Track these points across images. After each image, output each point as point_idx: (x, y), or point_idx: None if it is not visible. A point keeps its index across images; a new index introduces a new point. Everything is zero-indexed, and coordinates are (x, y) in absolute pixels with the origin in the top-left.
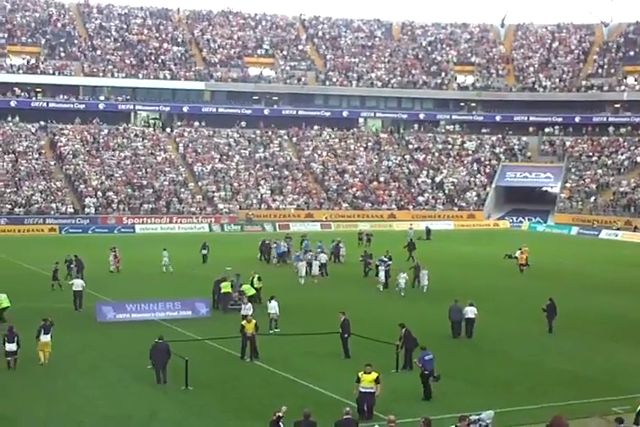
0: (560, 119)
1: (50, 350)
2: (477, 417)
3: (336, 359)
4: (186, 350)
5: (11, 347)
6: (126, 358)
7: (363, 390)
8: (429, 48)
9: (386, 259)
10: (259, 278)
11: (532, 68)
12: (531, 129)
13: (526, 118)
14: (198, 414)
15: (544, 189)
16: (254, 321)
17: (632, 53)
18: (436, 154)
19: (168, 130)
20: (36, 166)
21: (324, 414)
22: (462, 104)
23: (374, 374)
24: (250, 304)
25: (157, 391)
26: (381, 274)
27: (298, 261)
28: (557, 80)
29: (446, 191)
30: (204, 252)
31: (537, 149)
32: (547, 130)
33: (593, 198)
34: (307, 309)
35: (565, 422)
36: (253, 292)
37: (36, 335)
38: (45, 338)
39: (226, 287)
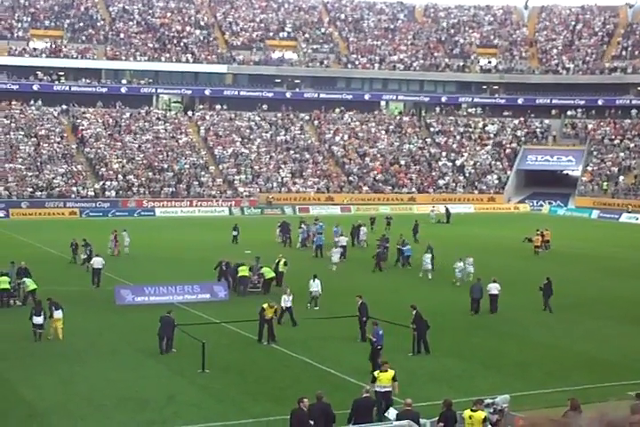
0: (583, 102)
1: (62, 325)
2: (492, 401)
3: (353, 343)
4: (203, 333)
5: (38, 320)
6: (145, 342)
7: (380, 390)
8: (452, 30)
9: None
10: (285, 263)
11: (555, 51)
12: (553, 112)
13: (549, 101)
14: (216, 397)
15: (565, 172)
16: (275, 307)
17: None
18: (458, 137)
19: (190, 113)
20: (58, 150)
21: (341, 397)
22: (484, 87)
23: (391, 372)
24: (292, 296)
25: (175, 374)
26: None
27: (332, 249)
28: (581, 62)
29: (467, 174)
30: (235, 233)
31: (559, 131)
32: (569, 113)
33: (614, 182)
34: (325, 292)
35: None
36: (272, 275)
37: (49, 315)
38: (58, 314)
39: (243, 271)
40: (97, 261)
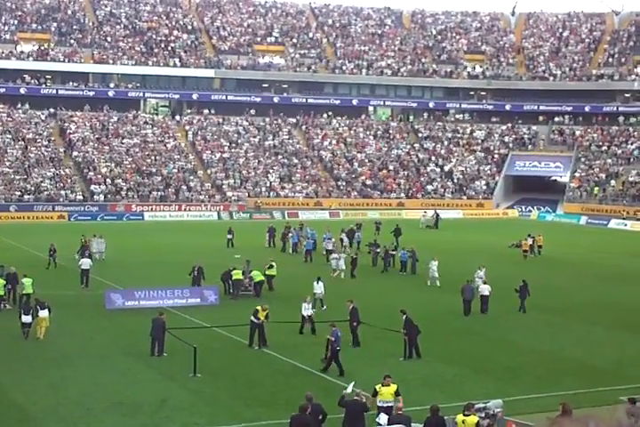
0: (570, 108)
1: (47, 324)
2: (484, 405)
3: (345, 347)
4: (194, 337)
5: (27, 319)
6: (135, 346)
7: (382, 405)
8: (439, 36)
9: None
10: (270, 266)
11: (542, 57)
12: (540, 118)
13: (536, 107)
14: (207, 401)
15: (553, 178)
16: (268, 310)
17: None
18: (446, 143)
19: (177, 117)
20: (46, 153)
21: (333, 402)
22: (472, 93)
23: (393, 387)
24: (311, 304)
25: (166, 379)
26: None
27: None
28: (568, 69)
29: (455, 180)
30: (229, 236)
31: (547, 138)
32: (556, 119)
33: (602, 189)
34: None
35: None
36: (261, 278)
37: (34, 313)
38: (43, 314)
39: (237, 274)
40: (85, 262)
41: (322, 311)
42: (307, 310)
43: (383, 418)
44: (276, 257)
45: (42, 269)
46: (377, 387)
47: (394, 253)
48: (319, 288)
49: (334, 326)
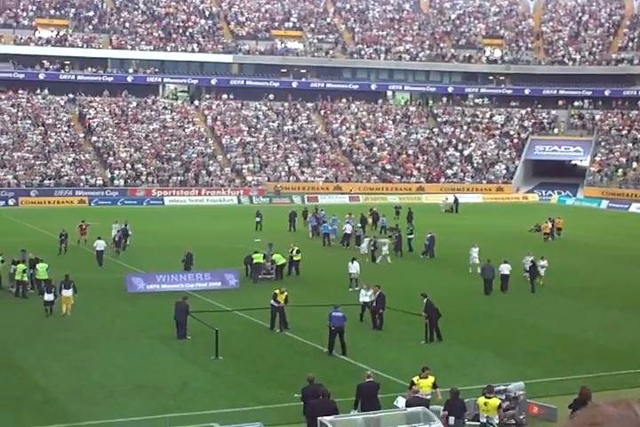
0: (590, 93)
1: (72, 302)
2: (505, 387)
3: (366, 331)
4: (216, 320)
5: (49, 297)
6: (157, 329)
7: (419, 396)
8: (458, 21)
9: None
10: (297, 251)
11: (561, 42)
12: (560, 102)
13: (555, 92)
14: (228, 383)
15: (573, 162)
16: (287, 293)
17: None
18: (465, 127)
19: (196, 102)
20: (65, 139)
21: (353, 384)
22: (491, 77)
23: (431, 379)
24: (371, 291)
25: (188, 361)
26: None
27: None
28: (587, 53)
29: (475, 164)
30: (258, 219)
31: (566, 122)
32: (576, 103)
33: (622, 172)
34: (338, 280)
35: (589, 393)
36: (283, 261)
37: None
38: (67, 293)
39: (258, 258)
40: (99, 244)
41: (354, 291)
42: (364, 296)
43: (401, 401)
44: (297, 241)
45: (62, 254)
46: (414, 379)
47: (411, 236)
48: (354, 268)
49: (337, 306)
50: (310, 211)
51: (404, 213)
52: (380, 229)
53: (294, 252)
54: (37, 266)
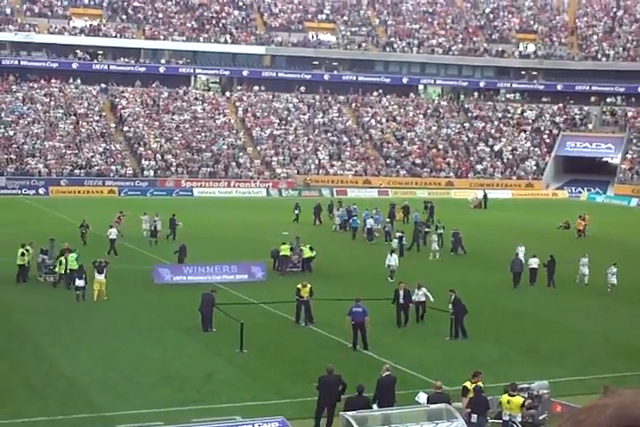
0: (623, 89)
1: (104, 288)
2: (528, 386)
3: (390, 326)
4: (241, 313)
5: (80, 283)
6: (183, 320)
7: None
8: (491, 15)
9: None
10: (310, 248)
11: (595, 37)
12: (592, 99)
13: (588, 88)
14: (253, 376)
15: (604, 159)
16: (309, 286)
17: None
18: (496, 122)
19: (227, 94)
20: (97, 128)
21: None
22: (523, 72)
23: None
24: (423, 290)
25: (213, 353)
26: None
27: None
28: (621, 49)
29: (505, 160)
30: (297, 212)
31: (598, 118)
32: (608, 100)
33: None
34: (364, 275)
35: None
36: (310, 254)
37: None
38: (99, 277)
39: (284, 250)
40: (112, 233)
41: (390, 282)
42: (418, 296)
43: (422, 397)
44: (322, 235)
45: (90, 244)
46: (467, 384)
47: (428, 230)
48: (393, 260)
49: (358, 301)
50: (335, 204)
51: (446, 210)
52: (414, 224)
53: (307, 249)
54: (68, 256)
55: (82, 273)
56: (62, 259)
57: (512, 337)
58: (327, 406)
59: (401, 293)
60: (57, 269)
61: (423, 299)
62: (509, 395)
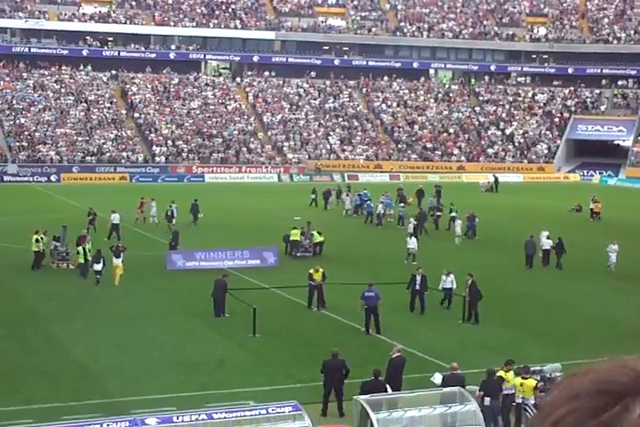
0: (634, 72)
1: (122, 272)
2: (540, 368)
3: (402, 310)
4: (254, 298)
5: (97, 267)
6: (196, 306)
7: (507, 393)
8: None
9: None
10: (319, 233)
11: (606, 20)
12: (603, 82)
13: (599, 71)
14: (265, 361)
15: (616, 142)
16: (322, 270)
17: None
18: (507, 106)
19: (238, 79)
20: (108, 115)
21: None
22: (534, 56)
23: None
24: (452, 277)
25: (226, 339)
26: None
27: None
28: (632, 32)
29: (516, 144)
30: (313, 196)
31: (610, 101)
32: (620, 82)
33: None
34: (377, 259)
35: None
36: (320, 239)
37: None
38: (117, 261)
39: (294, 235)
40: (115, 217)
41: (411, 265)
42: (445, 282)
43: (438, 378)
44: (332, 219)
45: (102, 230)
46: (500, 373)
47: (439, 214)
48: (412, 243)
49: (371, 285)
50: (343, 189)
51: (444, 192)
52: (428, 209)
53: (315, 233)
54: (78, 248)
55: (100, 258)
56: (80, 248)
57: (524, 320)
58: (333, 389)
59: (418, 278)
60: (76, 259)
61: (450, 286)
62: (522, 378)
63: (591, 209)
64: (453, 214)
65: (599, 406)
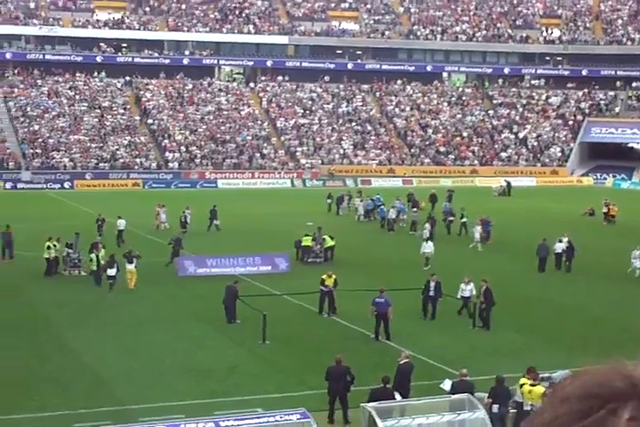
0: None
1: (135, 277)
2: (549, 375)
3: (413, 316)
4: (265, 304)
5: (111, 272)
6: (207, 313)
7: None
8: (515, 1)
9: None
10: (330, 237)
11: (620, 21)
12: (618, 84)
13: (613, 73)
14: (276, 368)
15: (630, 145)
16: (334, 276)
17: None
18: (520, 109)
19: (251, 84)
20: (121, 121)
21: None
22: (548, 58)
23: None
24: (472, 285)
25: (236, 345)
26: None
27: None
28: None
29: (530, 147)
30: (329, 201)
31: (624, 104)
32: (634, 84)
33: None
34: (389, 264)
35: None
36: (332, 243)
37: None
38: (130, 266)
39: (306, 241)
40: (121, 223)
41: (427, 270)
42: (463, 291)
43: (447, 384)
44: (345, 224)
45: (111, 237)
46: (523, 380)
47: (452, 219)
48: (429, 247)
49: (382, 291)
50: (354, 194)
51: (458, 197)
52: (443, 214)
53: (327, 238)
54: (91, 255)
55: (113, 263)
56: (93, 256)
57: (535, 325)
58: (338, 396)
59: (432, 284)
60: (89, 266)
61: (469, 294)
62: (531, 385)
63: (605, 213)
64: (464, 220)
65: (584, 410)
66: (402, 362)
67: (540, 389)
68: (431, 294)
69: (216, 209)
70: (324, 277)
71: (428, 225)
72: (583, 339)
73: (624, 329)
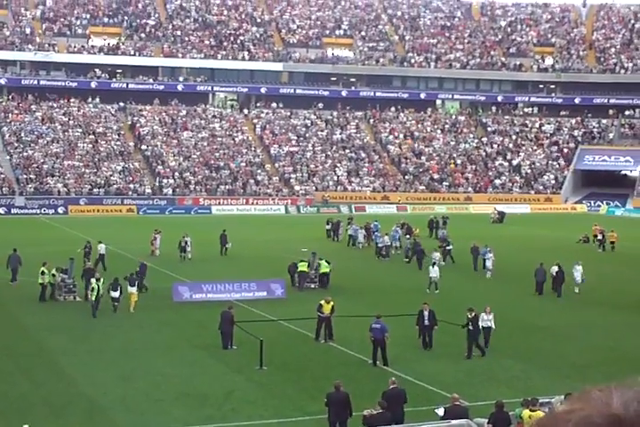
0: None
1: (136, 299)
2: (548, 400)
3: (411, 343)
4: (261, 330)
5: (115, 294)
6: (203, 338)
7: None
8: (509, 29)
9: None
10: (327, 262)
11: (613, 50)
12: (611, 112)
13: (606, 101)
14: (273, 394)
15: (623, 172)
16: (332, 302)
17: None
18: (514, 137)
19: (245, 111)
20: (115, 147)
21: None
22: (541, 86)
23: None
24: (492, 315)
25: (233, 371)
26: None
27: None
28: (639, 62)
29: (523, 174)
30: (328, 227)
31: (617, 132)
32: (627, 113)
33: None
34: (386, 290)
35: None
36: (327, 269)
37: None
38: (131, 289)
39: (302, 266)
40: (102, 248)
41: (434, 293)
42: (484, 321)
43: (440, 411)
44: (338, 251)
45: (110, 262)
46: (525, 412)
47: (450, 248)
48: (434, 272)
49: (379, 317)
50: (344, 221)
51: (453, 224)
52: (438, 241)
53: (323, 262)
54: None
55: (117, 285)
56: (95, 286)
57: (533, 352)
58: (338, 422)
59: (425, 313)
60: (91, 296)
61: (489, 325)
62: (530, 410)
63: (599, 240)
64: (449, 247)
65: None
66: (390, 387)
67: (539, 414)
68: (426, 323)
69: (226, 234)
70: (322, 302)
71: (437, 254)
72: (580, 367)
73: (623, 358)
